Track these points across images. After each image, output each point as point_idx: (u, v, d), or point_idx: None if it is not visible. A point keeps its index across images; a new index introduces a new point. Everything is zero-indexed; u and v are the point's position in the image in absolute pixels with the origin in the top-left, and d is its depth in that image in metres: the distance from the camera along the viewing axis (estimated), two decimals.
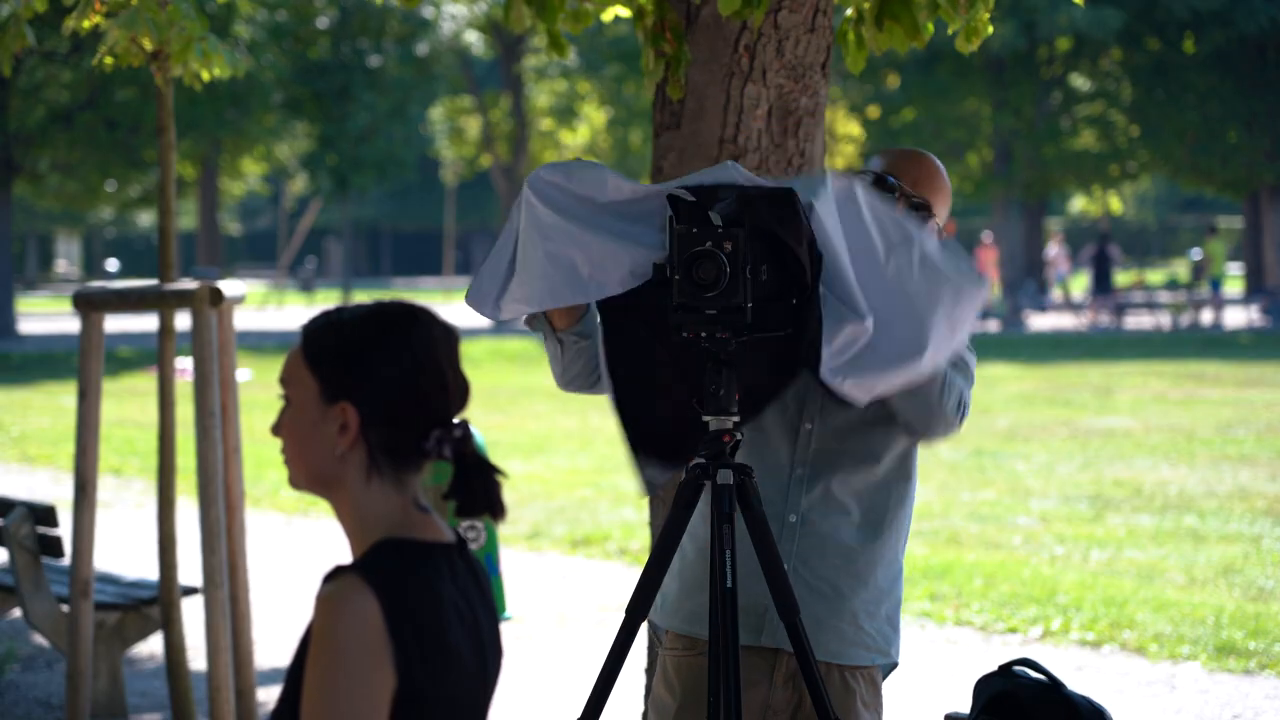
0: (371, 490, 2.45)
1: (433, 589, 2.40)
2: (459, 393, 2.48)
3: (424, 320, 2.47)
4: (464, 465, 2.45)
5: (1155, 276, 53.51)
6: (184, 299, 5.74)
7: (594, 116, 42.39)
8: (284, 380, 2.48)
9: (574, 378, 3.65)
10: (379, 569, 2.37)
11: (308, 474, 2.47)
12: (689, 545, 3.70)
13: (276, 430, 2.48)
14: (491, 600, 2.54)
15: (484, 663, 2.48)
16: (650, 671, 5.12)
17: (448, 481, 2.46)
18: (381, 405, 2.43)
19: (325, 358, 2.44)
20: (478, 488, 2.45)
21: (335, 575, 2.36)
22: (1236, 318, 36.73)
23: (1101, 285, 35.58)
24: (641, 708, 5.30)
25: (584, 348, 3.59)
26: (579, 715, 3.59)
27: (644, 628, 4.17)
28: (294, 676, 2.38)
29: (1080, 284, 41.81)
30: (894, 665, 3.78)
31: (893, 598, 3.74)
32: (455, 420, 2.47)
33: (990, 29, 4.72)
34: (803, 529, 3.66)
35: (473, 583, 2.50)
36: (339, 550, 10.38)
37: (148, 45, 5.66)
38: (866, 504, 3.68)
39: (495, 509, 2.45)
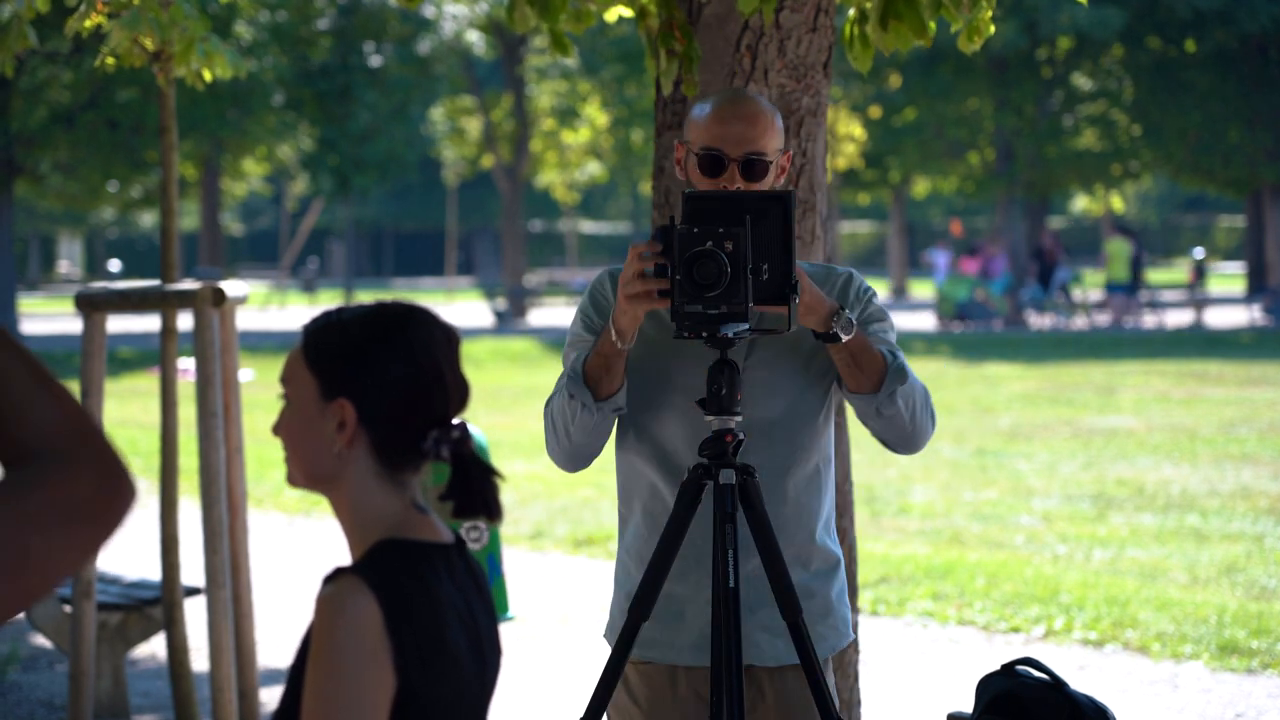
0: (370, 490, 2.44)
1: (432, 590, 2.40)
2: (458, 393, 2.48)
3: (423, 320, 2.47)
4: (462, 466, 2.45)
5: (1157, 276, 53.53)
6: (186, 299, 5.74)
7: (595, 117, 42.38)
8: (284, 379, 2.49)
9: (591, 449, 3.63)
10: (378, 570, 2.36)
11: (306, 472, 2.47)
12: (635, 568, 3.67)
13: (277, 430, 2.49)
14: (490, 601, 2.54)
15: (483, 664, 2.48)
16: None
17: (446, 482, 2.46)
18: (380, 404, 2.43)
19: (324, 356, 2.45)
20: (475, 489, 2.44)
21: (335, 577, 2.36)
22: (1238, 317, 36.76)
23: (1131, 285, 35.71)
24: None
25: (613, 417, 3.59)
26: (581, 716, 3.59)
27: None
28: (295, 678, 2.38)
29: (1093, 281, 41.94)
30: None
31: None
32: (454, 421, 2.47)
33: (992, 28, 4.71)
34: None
35: (472, 583, 2.50)
36: (341, 550, 10.38)
37: (150, 46, 5.66)
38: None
39: (492, 510, 2.45)
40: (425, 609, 2.38)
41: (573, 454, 3.63)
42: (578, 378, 3.54)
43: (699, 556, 3.57)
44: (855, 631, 3.80)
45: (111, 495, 1.91)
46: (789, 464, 3.63)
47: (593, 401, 3.52)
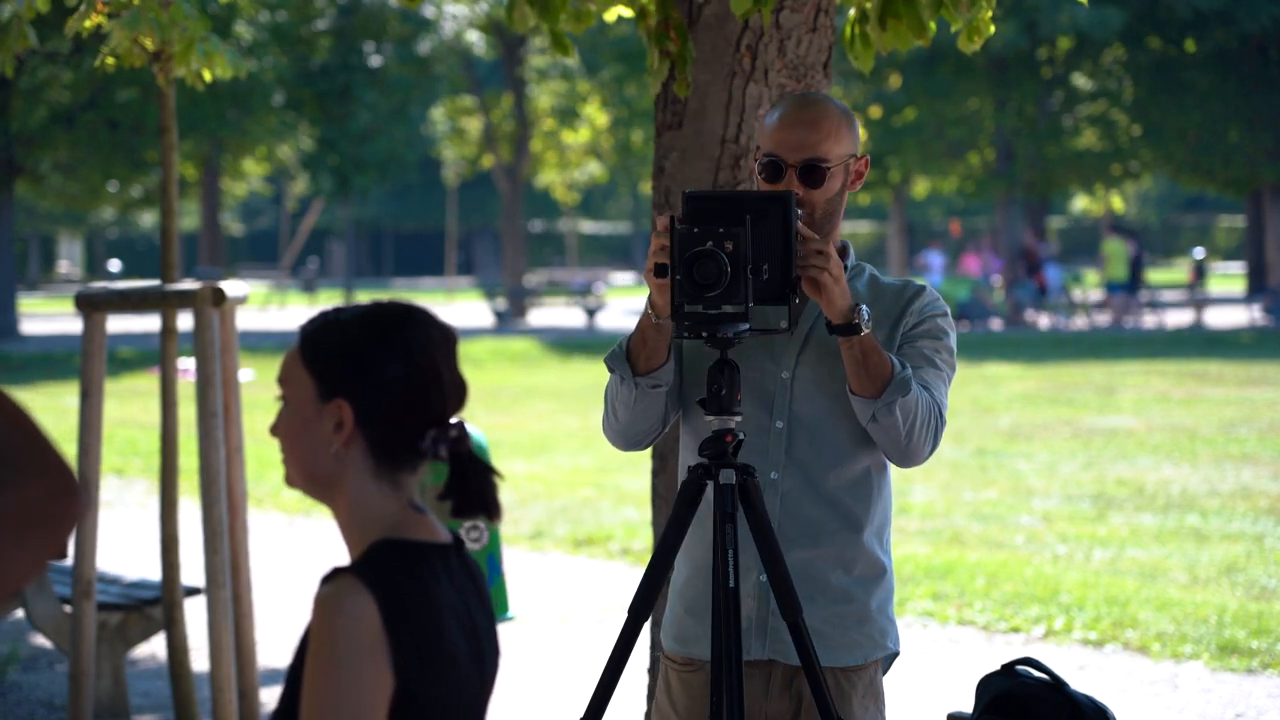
0: (368, 490, 2.44)
1: (430, 590, 2.40)
2: (455, 393, 2.48)
3: (421, 320, 2.47)
4: (459, 466, 2.44)
5: (1157, 276, 53.56)
6: (186, 299, 5.74)
7: (595, 117, 42.39)
8: (281, 380, 2.48)
9: (638, 429, 3.65)
10: (376, 570, 2.36)
11: (303, 473, 2.47)
12: (684, 566, 3.70)
13: (275, 431, 2.48)
14: (488, 601, 2.54)
15: (481, 664, 2.48)
16: (653, 672, 5.12)
17: (444, 482, 2.45)
18: (377, 404, 2.43)
19: (321, 356, 2.45)
20: (473, 488, 2.45)
21: (333, 577, 2.36)
22: (1238, 317, 36.77)
23: (1131, 285, 35.75)
24: (644, 708, 5.31)
25: (657, 396, 3.60)
26: (581, 715, 3.59)
27: (646, 627, 4.17)
28: (293, 678, 2.38)
29: (1092, 281, 41.97)
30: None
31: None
32: (452, 420, 2.47)
33: (992, 28, 4.70)
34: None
35: (470, 584, 2.50)
36: (341, 550, 10.38)
37: (150, 45, 5.66)
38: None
39: (491, 509, 2.45)
40: (423, 609, 2.38)
41: (621, 432, 3.66)
42: (619, 352, 3.60)
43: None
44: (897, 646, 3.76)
45: (63, 501, 1.90)
46: (832, 464, 3.63)
47: (630, 376, 3.57)
